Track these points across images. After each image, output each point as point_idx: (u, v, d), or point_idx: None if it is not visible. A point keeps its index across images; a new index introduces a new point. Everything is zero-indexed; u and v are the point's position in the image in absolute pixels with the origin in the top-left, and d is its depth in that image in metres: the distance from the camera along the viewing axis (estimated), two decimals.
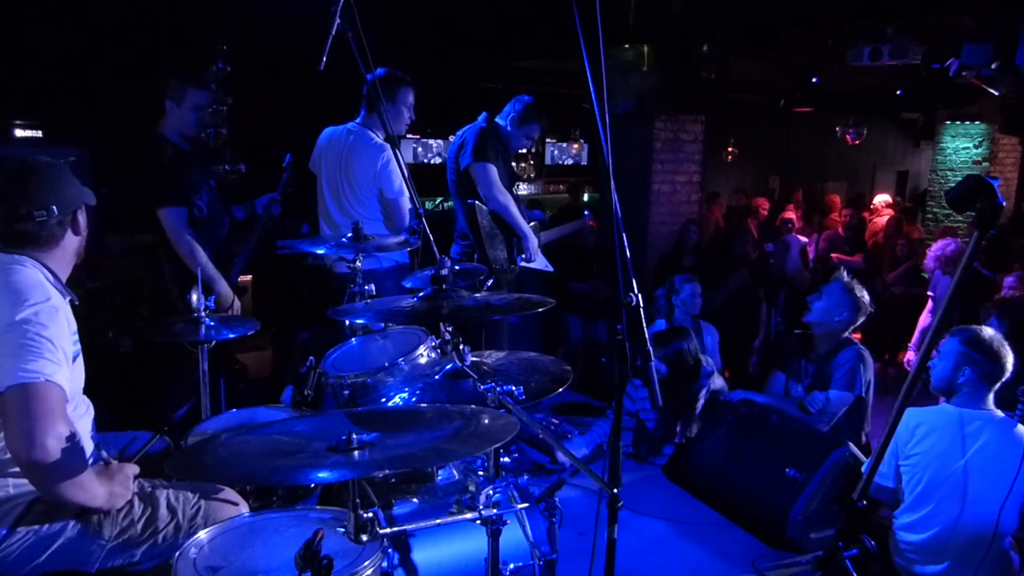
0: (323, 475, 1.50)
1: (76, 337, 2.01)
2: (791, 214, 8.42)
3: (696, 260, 6.55)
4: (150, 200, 3.54)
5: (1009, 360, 2.80)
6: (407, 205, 3.81)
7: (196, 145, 3.74)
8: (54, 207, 2.00)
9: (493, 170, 4.22)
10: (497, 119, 4.44)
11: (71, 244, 2.11)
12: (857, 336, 4.12)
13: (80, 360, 2.04)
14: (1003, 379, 2.80)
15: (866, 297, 3.81)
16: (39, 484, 1.84)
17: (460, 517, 1.90)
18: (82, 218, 2.12)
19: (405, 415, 2.01)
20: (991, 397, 2.82)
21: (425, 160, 10.65)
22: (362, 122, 3.91)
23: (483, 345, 4.16)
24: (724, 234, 7.42)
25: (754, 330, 5.94)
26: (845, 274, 3.90)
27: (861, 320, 3.81)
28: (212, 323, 2.83)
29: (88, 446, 2.10)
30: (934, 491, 2.75)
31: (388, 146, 3.72)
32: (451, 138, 10.00)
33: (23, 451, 1.74)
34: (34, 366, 1.78)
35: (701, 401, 4.19)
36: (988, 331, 2.87)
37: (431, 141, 10.64)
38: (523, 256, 4.39)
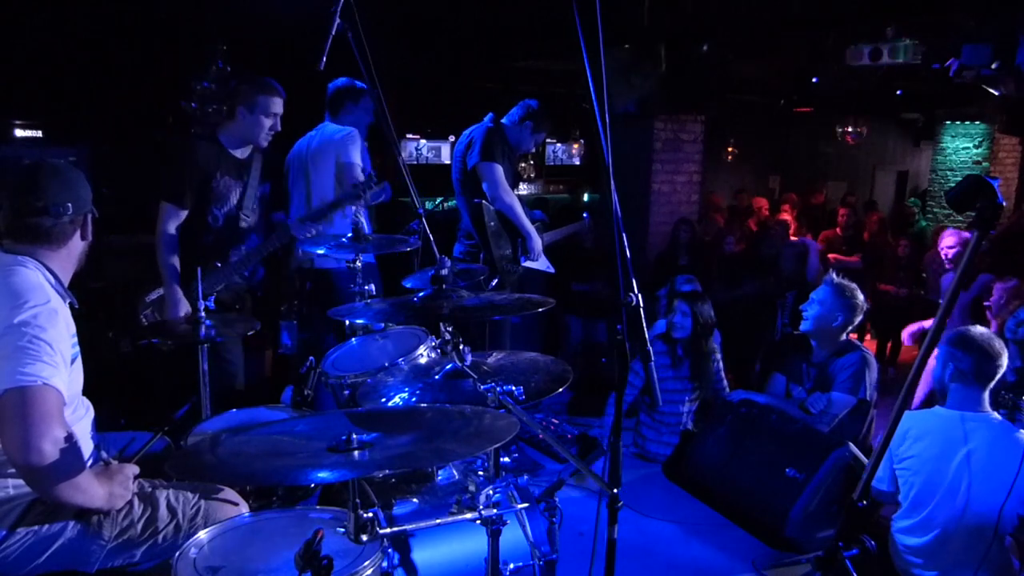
0: (323, 475, 1.50)
1: (75, 340, 2.01)
2: (786, 216, 8.41)
3: (691, 259, 6.55)
4: (157, 190, 3.43)
5: (1001, 359, 2.74)
6: (359, 173, 3.81)
7: (252, 156, 3.62)
8: (69, 204, 2.02)
9: (499, 169, 4.24)
10: (503, 120, 4.47)
11: (77, 247, 2.12)
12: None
13: (79, 362, 2.04)
14: (996, 378, 2.76)
15: (859, 295, 3.76)
16: (36, 487, 1.84)
17: (460, 517, 1.90)
18: (91, 224, 2.14)
19: (405, 415, 2.01)
20: (986, 398, 2.79)
21: (427, 160, 10.65)
22: (331, 119, 4.07)
23: (487, 345, 4.17)
24: (755, 236, 7.42)
25: (766, 333, 5.92)
26: (833, 276, 3.84)
27: (859, 319, 3.78)
28: (212, 323, 2.83)
29: (87, 447, 2.10)
30: (930, 494, 2.74)
31: (353, 129, 3.91)
32: (451, 138, 10.03)
33: (19, 455, 1.74)
34: (32, 369, 1.78)
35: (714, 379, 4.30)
36: (978, 330, 2.83)
37: (440, 144, 10.63)
38: (527, 256, 4.40)
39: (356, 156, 3.89)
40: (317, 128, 4.10)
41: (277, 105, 3.50)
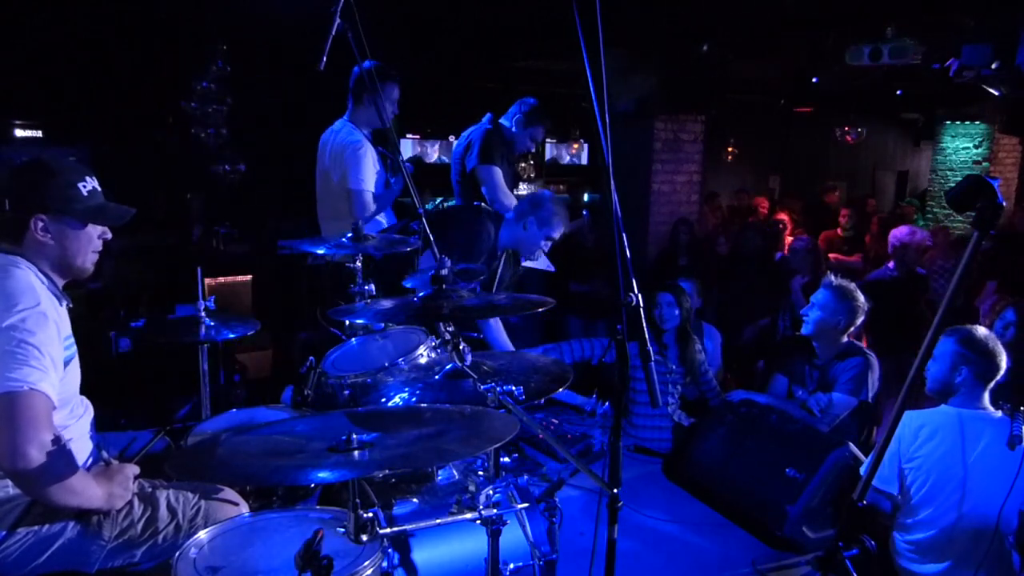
0: (323, 475, 1.50)
1: (70, 341, 2.00)
2: (783, 215, 8.41)
3: (690, 259, 6.55)
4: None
5: (1003, 359, 2.81)
6: (369, 201, 3.82)
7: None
8: (6, 201, 1.95)
9: (498, 172, 4.26)
10: (501, 120, 4.47)
11: (50, 248, 1.99)
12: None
13: (75, 363, 2.03)
14: (997, 378, 2.81)
15: (860, 296, 3.76)
16: (27, 490, 1.85)
17: (460, 517, 1.90)
18: (68, 229, 2.00)
19: (405, 415, 2.01)
20: (987, 396, 2.83)
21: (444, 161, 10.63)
22: (349, 117, 3.96)
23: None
24: (739, 234, 7.40)
25: (766, 333, 5.91)
26: (832, 278, 3.82)
27: (861, 320, 3.78)
28: (212, 323, 2.83)
29: (86, 447, 2.10)
30: (937, 492, 2.76)
31: (365, 141, 3.84)
32: (451, 138, 10.02)
33: (6, 460, 1.74)
34: (18, 374, 1.77)
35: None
36: (982, 330, 2.88)
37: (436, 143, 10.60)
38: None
39: (364, 177, 3.81)
40: (336, 128, 4.00)
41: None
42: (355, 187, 3.80)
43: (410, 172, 4.29)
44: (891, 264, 5.54)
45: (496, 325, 4.02)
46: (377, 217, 4.03)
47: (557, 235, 3.85)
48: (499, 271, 3.92)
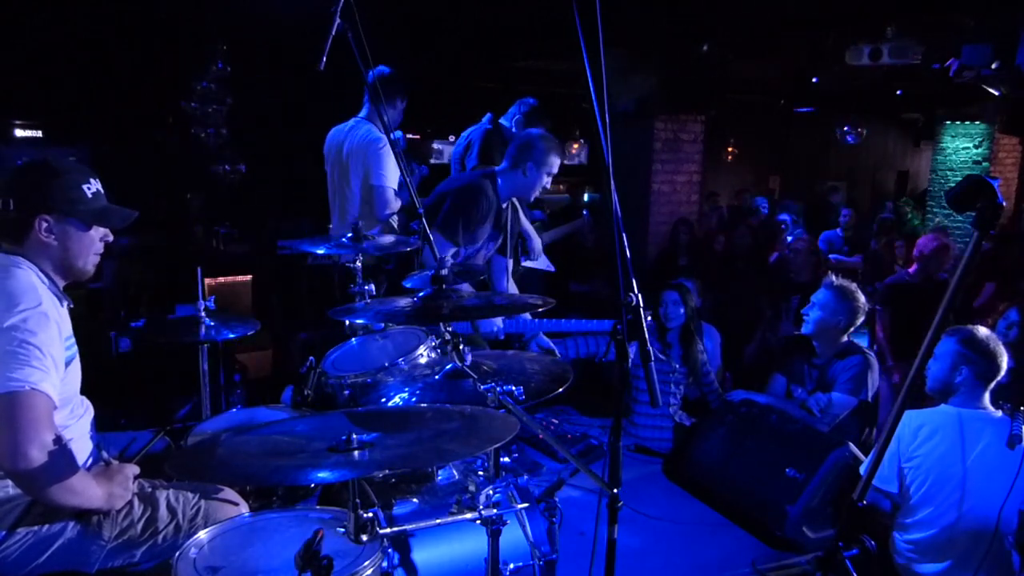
0: (323, 475, 1.50)
1: (71, 341, 2.00)
2: (785, 215, 8.42)
3: (690, 259, 6.55)
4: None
5: (1004, 359, 2.81)
6: (391, 198, 3.81)
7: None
8: (10, 201, 1.96)
9: None
10: (501, 120, 4.47)
11: (52, 249, 1.99)
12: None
13: (76, 363, 2.03)
14: (998, 378, 2.81)
15: (861, 296, 3.76)
16: (27, 490, 1.85)
17: (460, 517, 1.90)
18: (72, 231, 2.01)
19: (405, 415, 2.01)
20: (987, 396, 2.83)
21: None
22: (366, 116, 3.94)
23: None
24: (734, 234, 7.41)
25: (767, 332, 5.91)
26: (833, 278, 3.82)
27: (861, 320, 3.78)
28: (212, 323, 2.83)
29: (87, 446, 2.10)
30: (937, 492, 2.76)
31: (386, 139, 3.77)
32: (451, 138, 10.02)
33: (7, 460, 1.74)
34: (20, 374, 1.77)
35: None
36: (983, 330, 2.88)
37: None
38: (527, 256, 4.41)
39: (386, 174, 3.80)
40: (351, 126, 3.96)
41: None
42: (378, 183, 3.79)
43: (425, 175, 4.29)
44: (912, 269, 5.49)
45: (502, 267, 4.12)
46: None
47: (556, 168, 3.81)
48: (508, 223, 3.88)
